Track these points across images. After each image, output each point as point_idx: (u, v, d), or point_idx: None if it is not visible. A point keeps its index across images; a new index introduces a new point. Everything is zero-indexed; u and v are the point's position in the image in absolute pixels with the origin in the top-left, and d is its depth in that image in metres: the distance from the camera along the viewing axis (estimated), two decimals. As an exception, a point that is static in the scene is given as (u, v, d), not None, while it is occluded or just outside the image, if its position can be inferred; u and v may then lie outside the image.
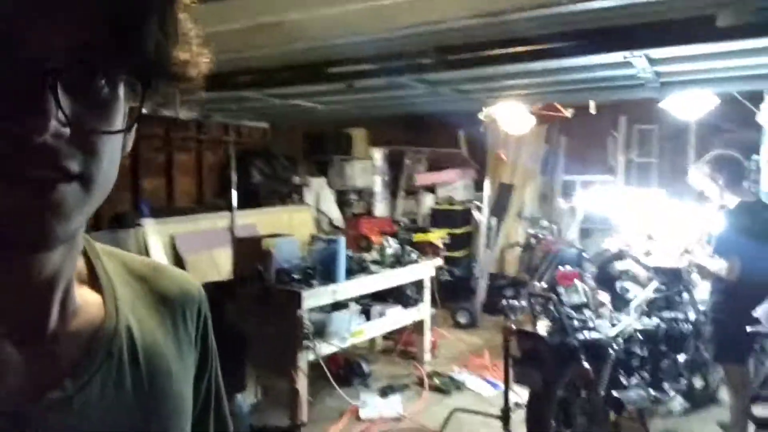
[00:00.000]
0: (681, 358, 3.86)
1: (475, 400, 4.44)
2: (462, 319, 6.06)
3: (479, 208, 6.27)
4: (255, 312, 3.86)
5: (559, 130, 8.20)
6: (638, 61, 3.29)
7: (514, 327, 3.63)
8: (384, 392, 4.48)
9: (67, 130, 0.44)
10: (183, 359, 0.64)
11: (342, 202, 7.69)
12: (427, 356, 5.01)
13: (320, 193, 7.33)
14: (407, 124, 8.90)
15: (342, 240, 4.04)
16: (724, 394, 4.16)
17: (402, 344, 5.19)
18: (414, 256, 4.70)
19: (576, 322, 3.49)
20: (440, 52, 3.34)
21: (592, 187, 4.35)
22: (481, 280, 6.18)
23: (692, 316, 3.98)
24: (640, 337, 3.74)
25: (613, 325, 3.73)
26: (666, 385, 3.73)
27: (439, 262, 4.92)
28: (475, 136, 8.37)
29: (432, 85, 4.24)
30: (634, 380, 3.64)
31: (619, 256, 4.39)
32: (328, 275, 3.99)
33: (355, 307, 4.25)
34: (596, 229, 7.88)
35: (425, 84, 4.13)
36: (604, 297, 4.04)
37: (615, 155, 8.09)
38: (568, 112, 6.01)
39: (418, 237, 6.99)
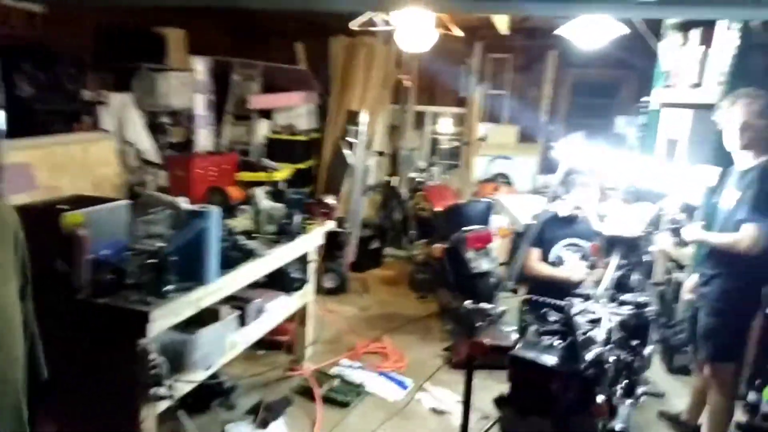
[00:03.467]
0: (647, 352, 3.01)
1: (385, 410, 3.19)
2: (329, 283, 4.67)
3: (350, 144, 4.77)
4: (55, 348, 2.00)
5: (411, 54, 6.86)
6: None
7: (488, 343, 2.38)
8: (262, 419, 2.97)
9: None
10: (16, 278, 0.75)
11: (152, 127, 5.50)
12: (309, 350, 3.56)
13: (123, 115, 5.09)
14: (234, 28, 6.80)
15: (214, 213, 2.29)
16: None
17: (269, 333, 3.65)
18: (299, 219, 3.10)
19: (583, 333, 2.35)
20: None
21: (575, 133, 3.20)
22: (353, 235, 4.80)
23: (651, 298, 3.15)
24: (620, 333, 2.77)
25: (592, 322, 2.69)
26: (639, 392, 2.87)
27: (331, 225, 3.39)
28: (317, 50, 6.69)
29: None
30: (618, 393, 2.68)
31: (571, 219, 3.37)
32: (190, 272, 2.26)
33: (229, 314, 2.59)
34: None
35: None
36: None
37: (467, 86, 7.13)
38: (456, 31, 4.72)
39: (249, 176, 5.33)
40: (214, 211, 2.29)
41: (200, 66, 5.97)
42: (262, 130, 6.44)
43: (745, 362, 2.87)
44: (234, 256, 2.49)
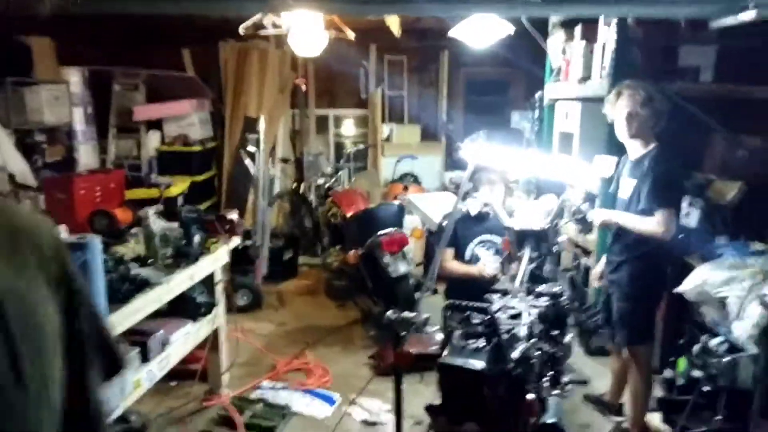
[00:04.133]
0: (567, 340, 3.05)
1: (315, 430, 3.01)
2: (242, 300, 4.39)
3: (252, 155, 4.51)
4: None
5: (306, 58, 6.66)
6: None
7: (414, 352, 2.28)
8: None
9: None
10: (42, 294, 0.61)
11: (25, 146, 4.93)
12: (225, 377, 3.29)
13: (-13, 135, 4.51)
14: (111, 37, 6.26)
15: (95, 244, 2.00)
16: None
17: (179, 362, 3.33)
18: (199, 238, 2.84)
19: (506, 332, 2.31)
20: None
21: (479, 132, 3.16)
22: (263, 248, 4.54)
23: (564, 286, 3.22)
24: (541, 325, 2.77)
25: (513, 318, 2.67)
26: (565, 380, 2.89)
27: (236, 241, 3.15)
28: (206, 56, 6.31)
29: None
30: (545, 386, 2.68)
31: (482, 217, 3.36)
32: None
33: (129, 353, 2.30)
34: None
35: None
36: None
37: (366, 87, 7.06)
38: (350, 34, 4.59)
39: (140, 193, 4.94)
40: (95, 241, 2.00)
41: (74, 77, 5.45)
42: (153, 142, 6.00)
43: (656, 340, 2.99)
44: (125, 289, 2.20)
